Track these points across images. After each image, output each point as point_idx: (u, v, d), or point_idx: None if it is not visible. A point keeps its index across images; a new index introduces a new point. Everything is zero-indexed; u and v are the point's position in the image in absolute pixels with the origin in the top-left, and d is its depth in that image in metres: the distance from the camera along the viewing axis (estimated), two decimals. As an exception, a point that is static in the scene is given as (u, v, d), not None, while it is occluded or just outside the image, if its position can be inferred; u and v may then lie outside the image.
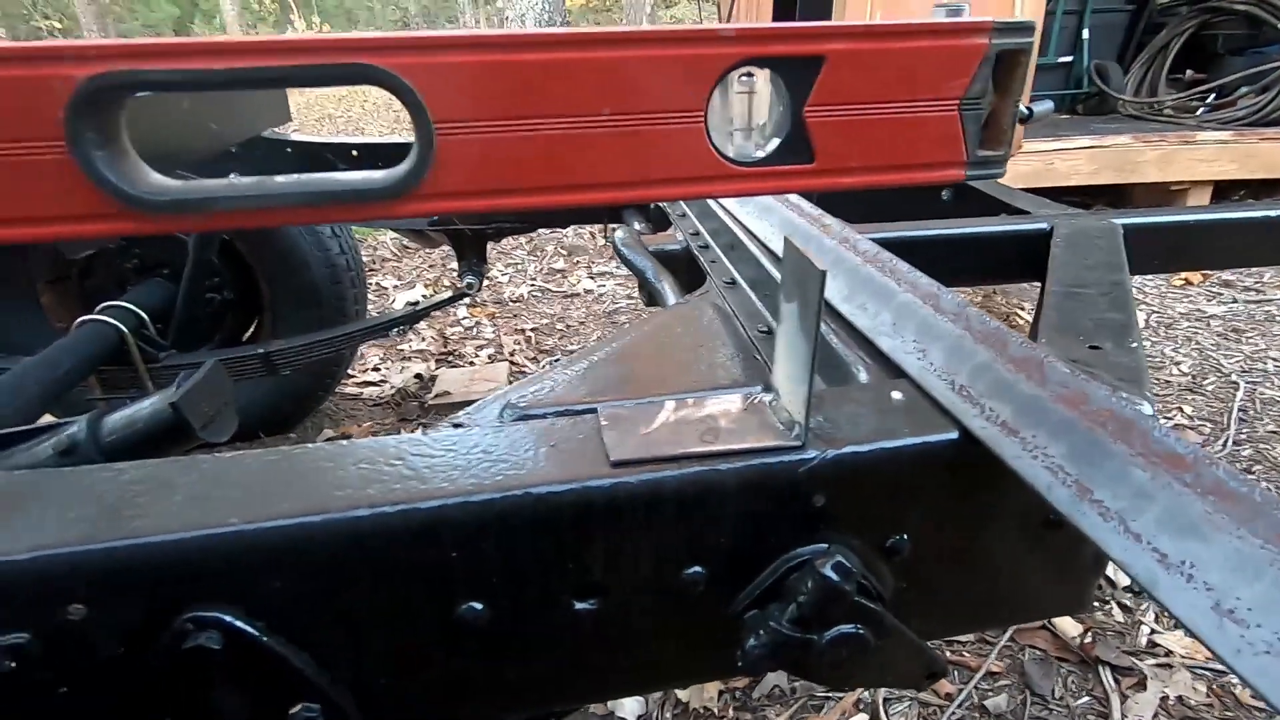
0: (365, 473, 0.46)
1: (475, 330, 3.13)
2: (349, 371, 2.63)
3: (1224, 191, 4.28)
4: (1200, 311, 3.02)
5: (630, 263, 1.10)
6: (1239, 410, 2.23)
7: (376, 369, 2.78)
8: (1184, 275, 3.39)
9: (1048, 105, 1.75)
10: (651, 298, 1.12)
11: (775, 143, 0.40)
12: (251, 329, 2.25)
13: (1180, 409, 2.27)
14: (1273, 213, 1.25)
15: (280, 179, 0.37)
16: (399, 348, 2.94)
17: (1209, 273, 3.39)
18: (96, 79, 0.32)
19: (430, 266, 3.91)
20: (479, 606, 0.47)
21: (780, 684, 1.38)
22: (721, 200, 1.10)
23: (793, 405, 0.49)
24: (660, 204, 1.35)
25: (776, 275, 0.84)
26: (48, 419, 1.12)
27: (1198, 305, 3.07)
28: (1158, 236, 1.21)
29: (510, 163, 0.37)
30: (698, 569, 0.50)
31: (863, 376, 0.62)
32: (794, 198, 0.93)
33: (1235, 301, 3.08)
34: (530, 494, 0.44)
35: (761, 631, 0.48)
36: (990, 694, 1.36)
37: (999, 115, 0.43)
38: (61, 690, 0.43)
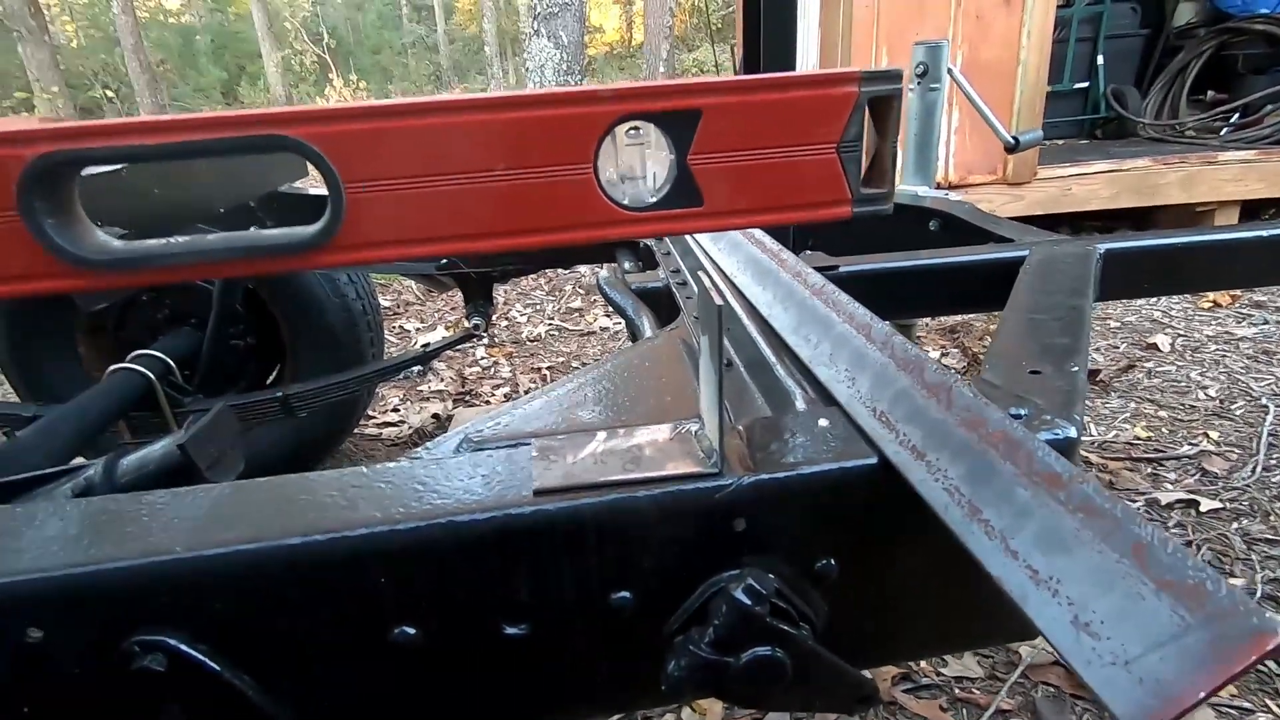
0: (305, 503, 0.50)
1: (493, 370, 3.19)
2: (369, 412, 2.71)
3: (1253, 211, 4.18)
4: (1229, 334, 2.93)
5: (612, 300, 1.14)
6: (1269, 435, 2.16)
7: (396, 410, 2.86)
8: (1212, 297, 3.31)
9: (1036, 134, 1.78)
10: (634, 334, 1.15)
11: (666, 189, 0.43)
12: (275, 373, 2.35)
13: (1206, 434, 2.21)
14: (1264, 233, 1.24)
15: (210, 237, 0.41)
16: (418, 389, 3.02)
17: (1239, 294, 3.30)
18: (43, 158, 0.37)
19: (452, 310, 4.01)
20: (411, 631, 0.49)
21: (783, 722, 1.36)
22: (698, 239, 1.14)
23: (712, 433, 0.52)
24: (648, 243, 1.39)
25: (738, 309, 0.87)
26: (79, 462, 1.19)
27: (1226, 327, 2.99)
28: (1145, 260, 1.20)
29: (415, 216, 0.41)
30: (625, 594, 0.52)
31: (800, 405, 0.64)
32: (759, 234, 0.96)
33: (1266, 323, 2.99)
34: (453, 522, 0.47)
35: (682, 655, 0.49)
36: (1000, 733, 1.32)
37: (881, 156, 0.45)
38: (24, 710, 0.46)
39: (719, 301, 0.45)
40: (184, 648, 0.46)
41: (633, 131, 0.41)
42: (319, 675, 0.50)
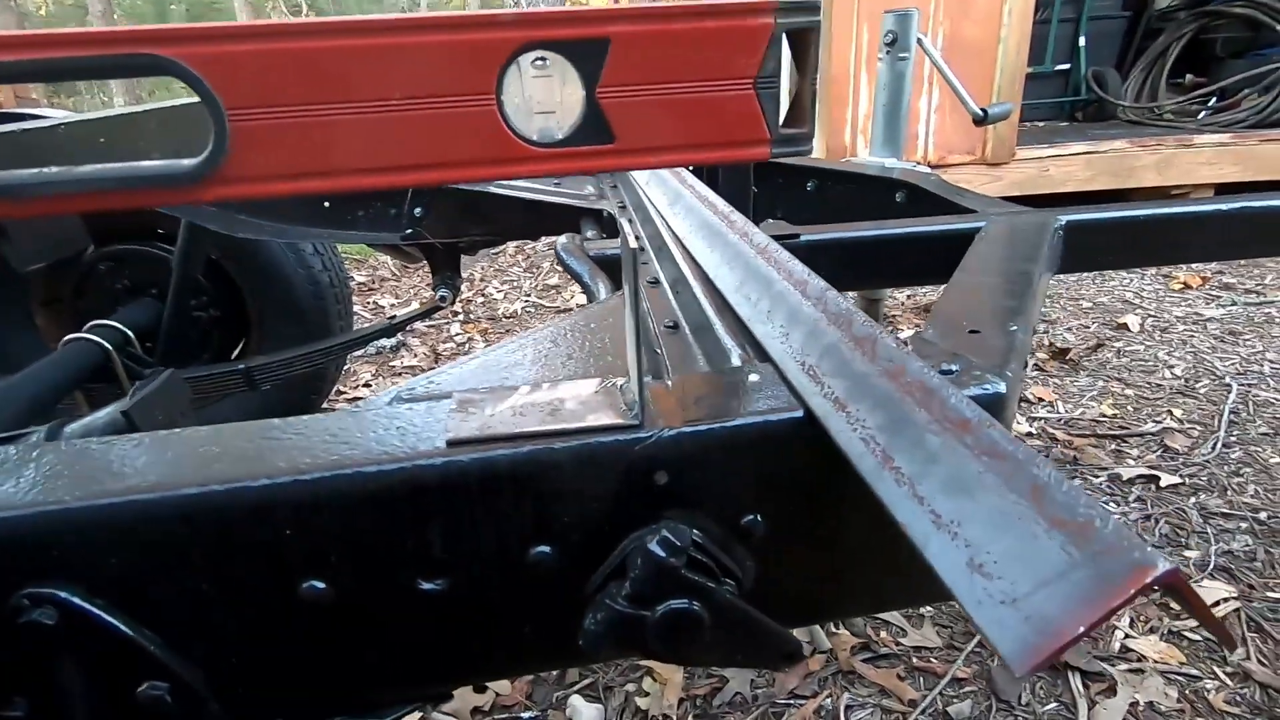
0: (210, 454, 0.48)
1: (468, 346, 3.16)
2: (340, 387, 2.68)
3: (1227, 194, 4.22)
4: (1197, 315, 2.97)
5: (568, 266, 1.12)
6: (1230, 413, 2.19)
7: (368, 385, 2.82)
8: (1183, 279, 3.34)
9: (1006, 106, 1.77)
10: (590, 300, 1.13)
11: (574, 124, 0.41)
12: (240, 346, 2.30)
13: (1170, 412, 2.23)
14: (1224, 207, 1.24)
15: (85, 167, 0.39)
16: (391, 364, 2.98)
17: (1209, 276, 3.34)
18: (-106, 74, 0.34)
19: (429, 285, 3.96)
20: (321, 585, 0.48)
21: (742, 691, 1.37)
22: (656, 204, 1.12)
23: (634, 384, 0.50)
24: (611, 212, 1.37)
25: (688, 272, 0.85)
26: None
27: (1195, 309, 3.02)
28: (1105, 232, 1.20)
29: (306, 148, 0.39)
30: (544, 548, 0.50)
31: (735, 361, 0.63)
32: (713, 197, 0.94)
33: (1234, 304, 3.03)
34: (361, 472, 0.46)
35: (600, 609, 0.48)
36: (955, 700, 1.34)
37: (801, 94, 0.44)
38: (-89, 666, 0.45)
39: (633, 244, 0.44)
40: (77, 601, 0.44)
41: (539, 62, 0.39)
42: (227, 630, 0.49)
